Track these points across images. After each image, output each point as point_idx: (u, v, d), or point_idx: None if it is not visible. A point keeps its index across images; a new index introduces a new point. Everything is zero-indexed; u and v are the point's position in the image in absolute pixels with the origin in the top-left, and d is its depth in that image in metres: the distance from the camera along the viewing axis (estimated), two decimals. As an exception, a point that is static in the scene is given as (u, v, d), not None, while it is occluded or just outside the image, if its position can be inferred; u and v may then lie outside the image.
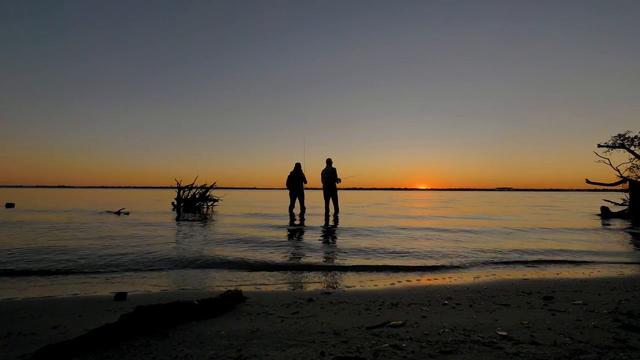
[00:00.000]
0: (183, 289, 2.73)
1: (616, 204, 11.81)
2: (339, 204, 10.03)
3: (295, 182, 10.08)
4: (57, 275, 3.18)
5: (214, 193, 14.12)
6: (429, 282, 2.89)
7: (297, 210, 10.31)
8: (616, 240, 5.59)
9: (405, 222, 8.12)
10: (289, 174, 10.13)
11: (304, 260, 3.83)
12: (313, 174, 10.30)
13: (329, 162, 9.84)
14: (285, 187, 10.20)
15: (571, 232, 6.41)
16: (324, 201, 9.98)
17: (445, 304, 2.14)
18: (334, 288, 2.72)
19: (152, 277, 3.15)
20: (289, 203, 10.41)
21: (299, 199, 10.21)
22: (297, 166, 10.09)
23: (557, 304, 2.13)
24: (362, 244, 4.75)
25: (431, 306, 2.09)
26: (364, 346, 1.45)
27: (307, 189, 10.32)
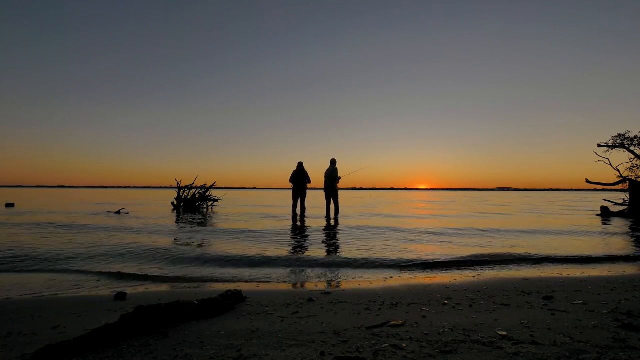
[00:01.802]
0: (183, 288, 2.73)
1: (616, 203, 11.82)
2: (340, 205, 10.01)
3: (300, 180, 10.01)
4: (60, 274, 3.18)
5: (213, 193, 14.12)
6: (429, 282, 2.89)
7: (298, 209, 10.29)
8: (615, 240, 5.59)
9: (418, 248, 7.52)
10: (292, 172, 10.07)
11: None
12: (314, 174, 10.27)
13: (332, 162, 9.78)
14: (290, 186, 10.12)
15: (571, 232, 6.41)
16: (325, 201, 9.96)
17: (445, 303, 2.14)
18: (334, 288, 2.72)
19: (151, 277, 3.15)
20: (289, 204, 10.37)
21: (300, 198, 10.17)
22: (300, 165, 10.04)
23: (557, 304, 2.12)
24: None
25: (431, 306, 2.09)
26: (364, 346, 1.45)
27: (308, 189, 10.28)
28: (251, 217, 9.39)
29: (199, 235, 5.78)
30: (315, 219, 8.35)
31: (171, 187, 13.19)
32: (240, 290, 2.30)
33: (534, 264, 3.76)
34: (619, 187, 10.66)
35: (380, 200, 24.54)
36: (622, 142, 10.28)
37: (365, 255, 4.07)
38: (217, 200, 13.90)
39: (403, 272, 3.37)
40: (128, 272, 3.31)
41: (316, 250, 4.43)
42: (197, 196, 13.14)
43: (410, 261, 3.73)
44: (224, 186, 18.47)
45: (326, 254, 4.18)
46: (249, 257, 3.93)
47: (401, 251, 4.34)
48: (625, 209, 10.06)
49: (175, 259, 3.83)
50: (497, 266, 3.64)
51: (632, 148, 10.14)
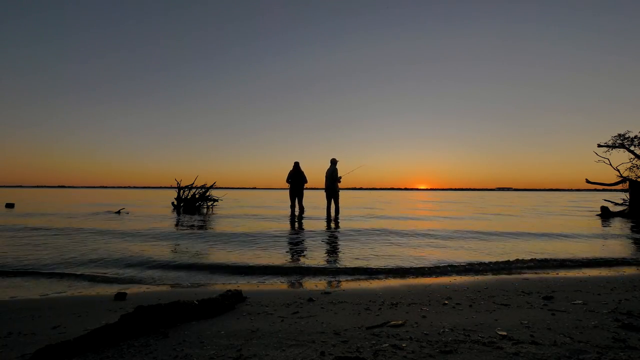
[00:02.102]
0: (183, 288, 2.73)
1: (616, 203, 11.83)
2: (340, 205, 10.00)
3: (297, 180, 9.96)
4: (59, 277, 3.18)
5: (214, 193, 14.13)
6: (429, 282, 2.89)
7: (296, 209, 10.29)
8: (615, 241, 5.58)
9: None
10: (289, 172, 10.04)
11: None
12: (314, 174, 10.23)
13: (333, 162, 9.72)
14: (287, 186, 10.07)
15: (572, 232, 6.40)
16: (325, 201, 9.95)
17: (445, 303, 2.14)
18: (334, 288, 2.72)
19: (151, 277, 3.15)
20: (289, 205, 10.34)
21: (298, 199, 10.13)
22: (297, 165, 10.00)
23: (557, 304, 2.12)
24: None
25: (431, 306, 2.09)
26: (364, 346, 1.45)
27: (306, 189, 10.24)
28: (251, 218, 9.38)
29: (199, 238, 5.77)
30: (315, 221, 8.34)
31: (171, 187, 13.21)
32: (240, 290, 2.30)
33: (533, 268, 3.76)
34: (619, 187, 10.67)
35: (380, 200, 24.54)
36: (622, 142, 10.29)
37: (365, 258, 4.07)
38: (217, 201, 13.90)
39: (402, 275, 3.37)
40: (128, 274, 3.30)
41: (316, 253, 4.43)
42: (197, 196, 13.15)
43: (408, 266, 3.73)
44: (224, 186, 18.49)
45: (326, 257, 4.18)
46: (249, 261, 3.93)
47: (401, 255, 4.34)
48: (625, 209, 10.06)
49: (174, 262, 3.82)
50: (497, 272, 3.64)
51: (632, 148, 10.15)
